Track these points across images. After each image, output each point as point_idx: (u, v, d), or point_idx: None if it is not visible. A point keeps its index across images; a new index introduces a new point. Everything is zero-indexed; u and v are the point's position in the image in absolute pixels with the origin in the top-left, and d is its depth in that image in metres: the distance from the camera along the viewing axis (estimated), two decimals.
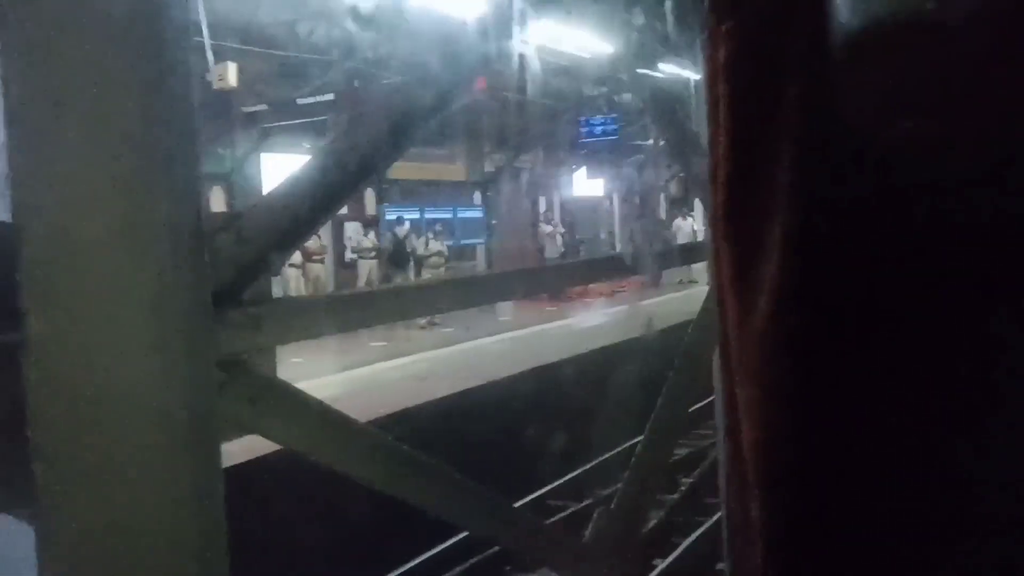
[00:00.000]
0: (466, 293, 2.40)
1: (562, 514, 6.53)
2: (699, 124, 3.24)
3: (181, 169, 1.31)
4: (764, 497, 0.53)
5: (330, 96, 13.45)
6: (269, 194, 1.53)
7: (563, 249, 18.91)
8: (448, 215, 19.25)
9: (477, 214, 20.37)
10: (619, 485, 2.72)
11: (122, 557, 1.21)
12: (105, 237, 1.17)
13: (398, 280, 15.13)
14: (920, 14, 0.51)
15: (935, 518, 0.50)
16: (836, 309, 0.52)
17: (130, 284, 1.22)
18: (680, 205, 20.96)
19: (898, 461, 0.51)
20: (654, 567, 5.08)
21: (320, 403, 1.60)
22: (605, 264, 5.23)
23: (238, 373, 1.44)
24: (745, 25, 0.58)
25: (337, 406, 1.65)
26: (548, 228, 19.41)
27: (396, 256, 15.63)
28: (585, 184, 22.19)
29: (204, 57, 11.33)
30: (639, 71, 3.45)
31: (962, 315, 0.50)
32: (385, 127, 1.73)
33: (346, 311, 1.75)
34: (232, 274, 1.43)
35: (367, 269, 15.38)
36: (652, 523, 5.01)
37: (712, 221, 0.62)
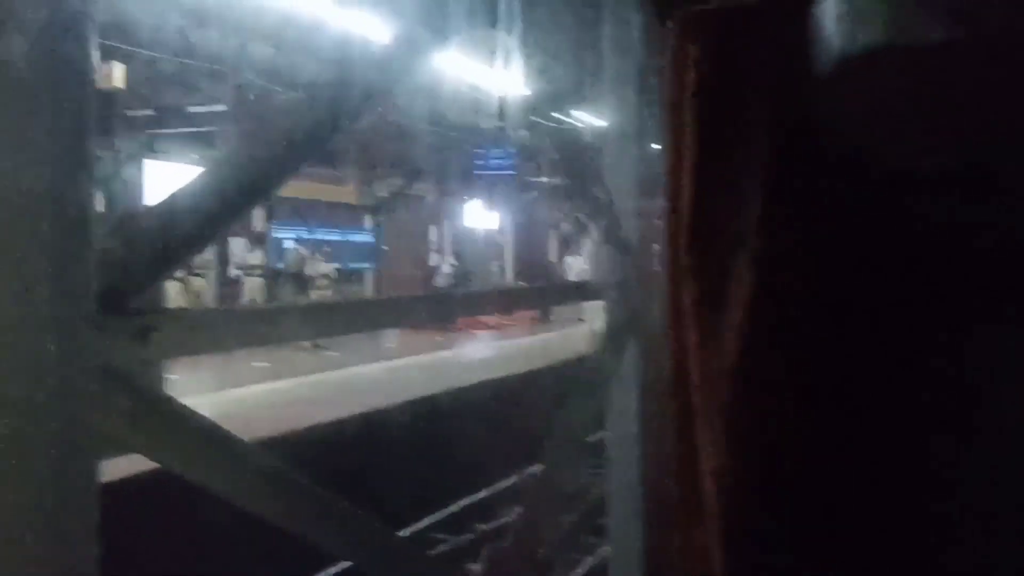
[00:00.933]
0: (362, 316, 2.34)
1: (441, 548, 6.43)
2: (603, 168, 3.28)
3: (70, 165, 1.21)
4: (727, 532, 0.50)
5: (222, 106, 13.10)
6: (165, 200, 1.43)
7: (452, 280, 18.88)
8: (337, 237, 18.94)
9: (367, 238, 20.14)
10: (510, 519, 2.68)
11: None
12: None
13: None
14: (901, 38, 0.51)
15: (912, 535, 0.49)
16: (810, 340, 0.50)
17: (8, 286, 1.12)
18: (571, 243, 21.28)
19: (873, 494, 0.50)
20: None
21: (209, 423, 1.50)
22: (496, 296, 5.25)
23: (120, 387, 1.33)
24: (715, 47, 0.56)
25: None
26: (438, 258, 19.36)
27: (298, 279, 15.37)
28: (478, 216, 22.28)
29: None
30: (541, 114, 3.48)
31: (941, 321, 0.49)
32: (284, 142, 1.67)
33: (243, 327, 1.66)
34: (121, 280, 1.33)
35: (251, 287, 14.95)
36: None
37: (671, 250, 0.59)
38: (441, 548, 6.37)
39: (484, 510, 6.94)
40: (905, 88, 0.49)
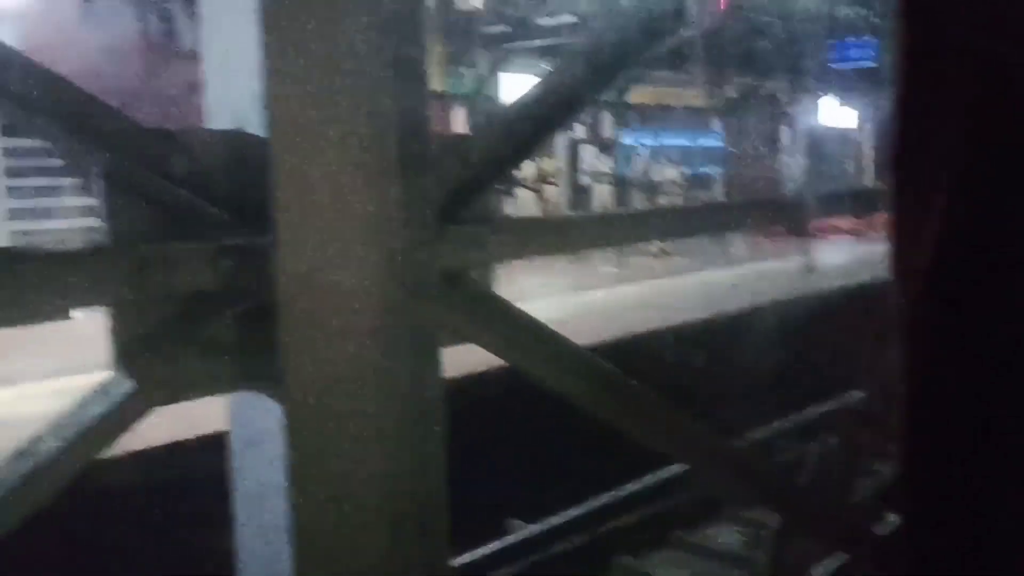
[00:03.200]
0: (685, 222, 2.41)
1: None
2: None
3: (411, 99, 1.42)
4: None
5: (571, 18, 13.46)
6: (493, 118, 1.61)
7: (802, 181, 18.05)
8: (685, 141, 18.84)
9: (715, 142, 19.79)
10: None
11: (351, 433, 1.37)
12: (344, 158, 1.31)
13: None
14: None
15: None
16: (994, 262, 0.51)
17: (365, 199, 1.36)
18: None
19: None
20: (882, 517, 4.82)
21: (531, 318, 1.69)
22: (845, 198, 4.98)
23: (457, 285, 1.56)
24: None
25: (564, 328, 1.73)
26: (788, 160, 18.55)
27: (644, 184, 15.72)
28: (834, 114, 20.91)
29: None
30: None
31: None
32: (606, 52, 1.74)
33: (563, 234, 1.82)
34: (456, 194, 1.54)
35: (600, 194, 15.46)
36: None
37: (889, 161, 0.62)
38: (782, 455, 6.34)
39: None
40: None
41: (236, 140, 1.25)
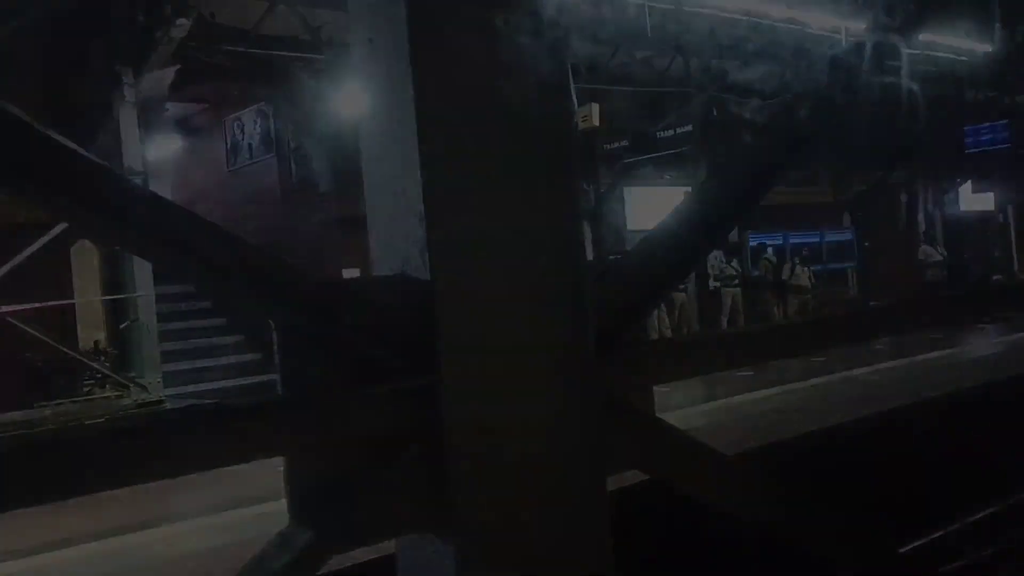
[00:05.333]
0: (832, 332, 2.30)
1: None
2: None
3: (565, 232, 1.43)
4: None
5: (688, 127, 13.57)
6: (646, 239, 1.61)
7: (944, 272, 17.26)
8: (814, 239, 18.44)
9: (846, 236, 19.29)
10: None
11: (522, 571, 1.34)
12: (503, 293, 1.32)
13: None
14: None
15: None
16: None
17: (525, 332, 1.36)
18: None
19: None
20: None
21: (694, 440, 1.64)
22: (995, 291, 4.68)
23: (620, 410, 1.53)
24: None
25: (709, 435, 1.66)
26: (928, 249, 17.84)
27: (775, 285, 15.49)
28: (970, 200, 20.10)
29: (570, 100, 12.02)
30: None
31: None
32: (762, 157, 1.72)
33: (717, 352, 1.78)
34: (613, 319, 1.53)
35: (730, 298, 15.20)
36: None
37: None
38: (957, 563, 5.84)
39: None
40: None
41: (400, 285, 1.28)
